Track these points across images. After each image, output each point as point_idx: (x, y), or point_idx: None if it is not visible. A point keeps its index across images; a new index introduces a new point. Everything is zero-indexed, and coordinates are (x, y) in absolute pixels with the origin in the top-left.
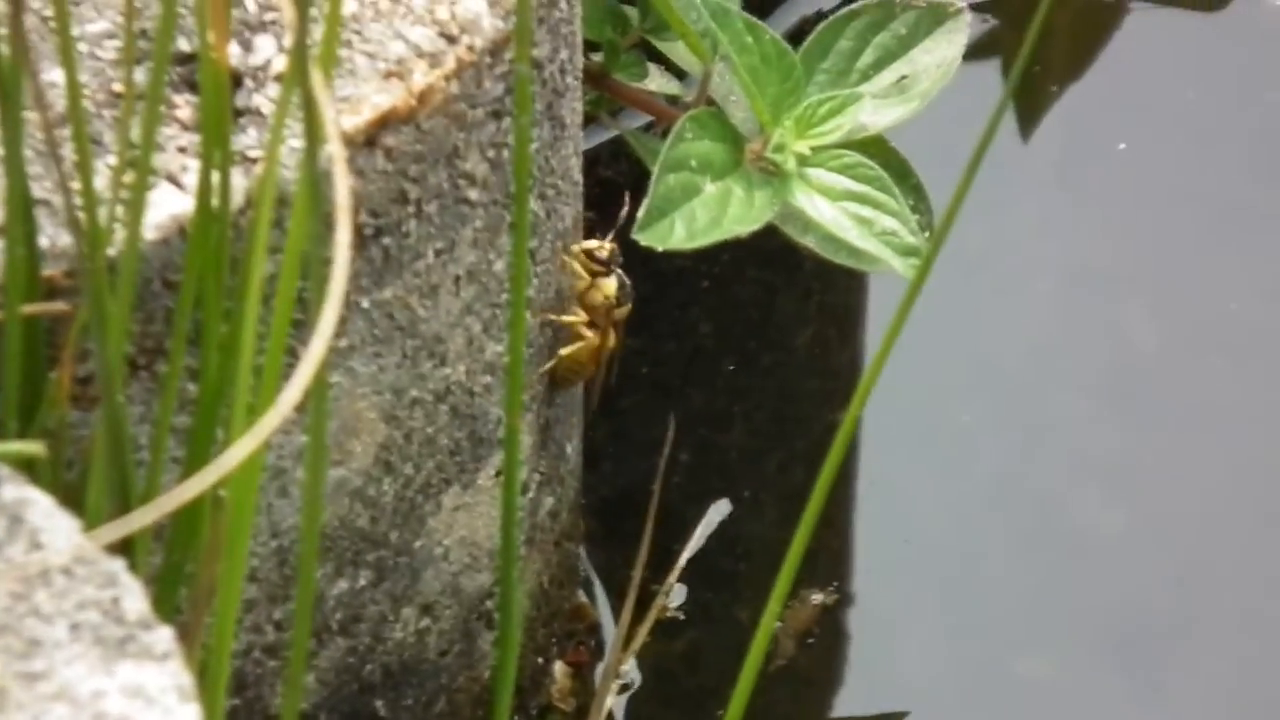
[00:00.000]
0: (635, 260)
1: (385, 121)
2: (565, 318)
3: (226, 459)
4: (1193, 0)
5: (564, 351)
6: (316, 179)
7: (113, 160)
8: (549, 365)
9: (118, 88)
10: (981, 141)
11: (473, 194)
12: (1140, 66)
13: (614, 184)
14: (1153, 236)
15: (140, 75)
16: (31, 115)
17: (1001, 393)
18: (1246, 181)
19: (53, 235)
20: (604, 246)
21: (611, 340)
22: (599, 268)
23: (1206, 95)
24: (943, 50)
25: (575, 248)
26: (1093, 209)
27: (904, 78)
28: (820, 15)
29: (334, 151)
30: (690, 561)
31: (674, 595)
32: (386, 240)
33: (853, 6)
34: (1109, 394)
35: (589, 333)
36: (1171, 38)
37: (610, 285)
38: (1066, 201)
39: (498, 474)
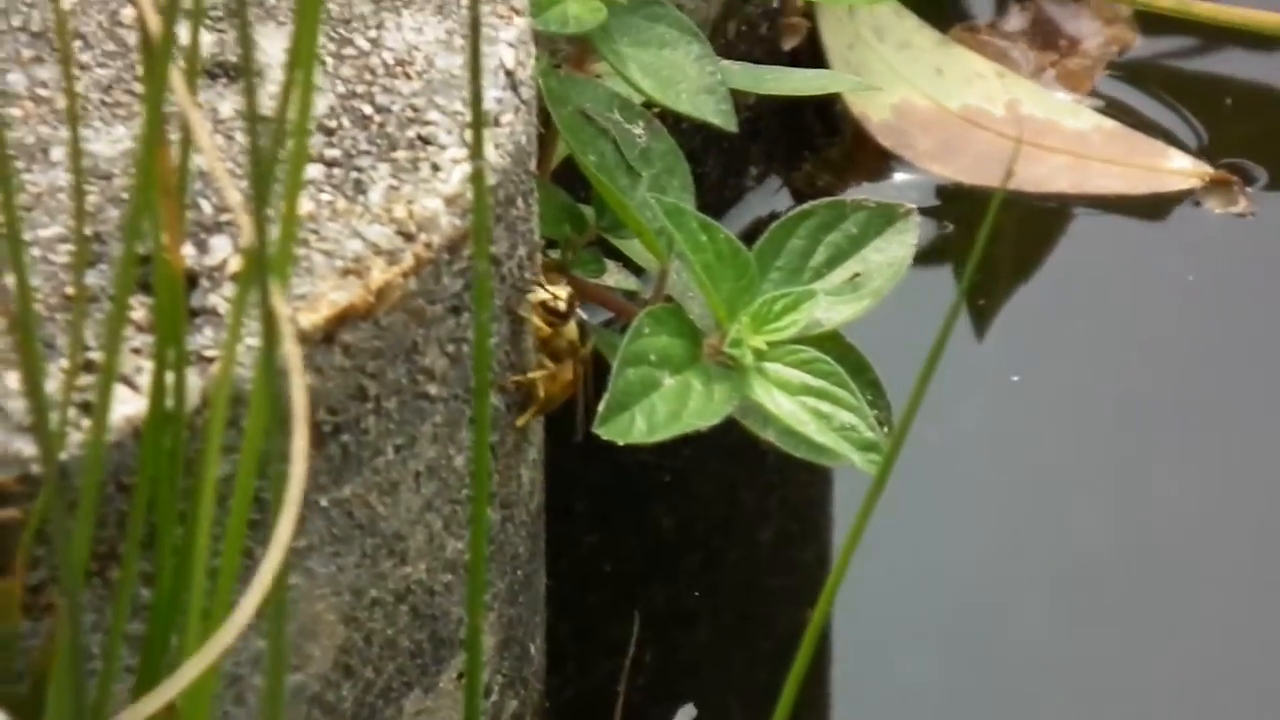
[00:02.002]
0: (596, 454)
1: (343, 318)
2: (530, 375)
3: (181, 676)
4: (1136, 208)
5: (519, 421)
6: (273, 379)
7: (65, 364)
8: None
9: (70, 291)
10: (938, 339)
11: (432, 389)
12: (1086, 270)
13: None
14: (1104, 437)
15: (92, 278)
16: None
17: (962, 593)
18: (1193, 384)
19: (4, 441)
20: (560, 298)
21: (575, 372)
22: (558, 319)
23: (1152, 299)
24: (894, 249)
25: (532, 299)
26: (1045, 408)
27: (856, 276)
28: (773, 216)
29: (290, 353)
30: None
31: None
32: (345, 437)
33: (803, 207)
34: (1066, 595)
35: (544, 378)
36: (1116, 242)
37: (572, 329)
38: (1019, 400)
39: (460, 676)
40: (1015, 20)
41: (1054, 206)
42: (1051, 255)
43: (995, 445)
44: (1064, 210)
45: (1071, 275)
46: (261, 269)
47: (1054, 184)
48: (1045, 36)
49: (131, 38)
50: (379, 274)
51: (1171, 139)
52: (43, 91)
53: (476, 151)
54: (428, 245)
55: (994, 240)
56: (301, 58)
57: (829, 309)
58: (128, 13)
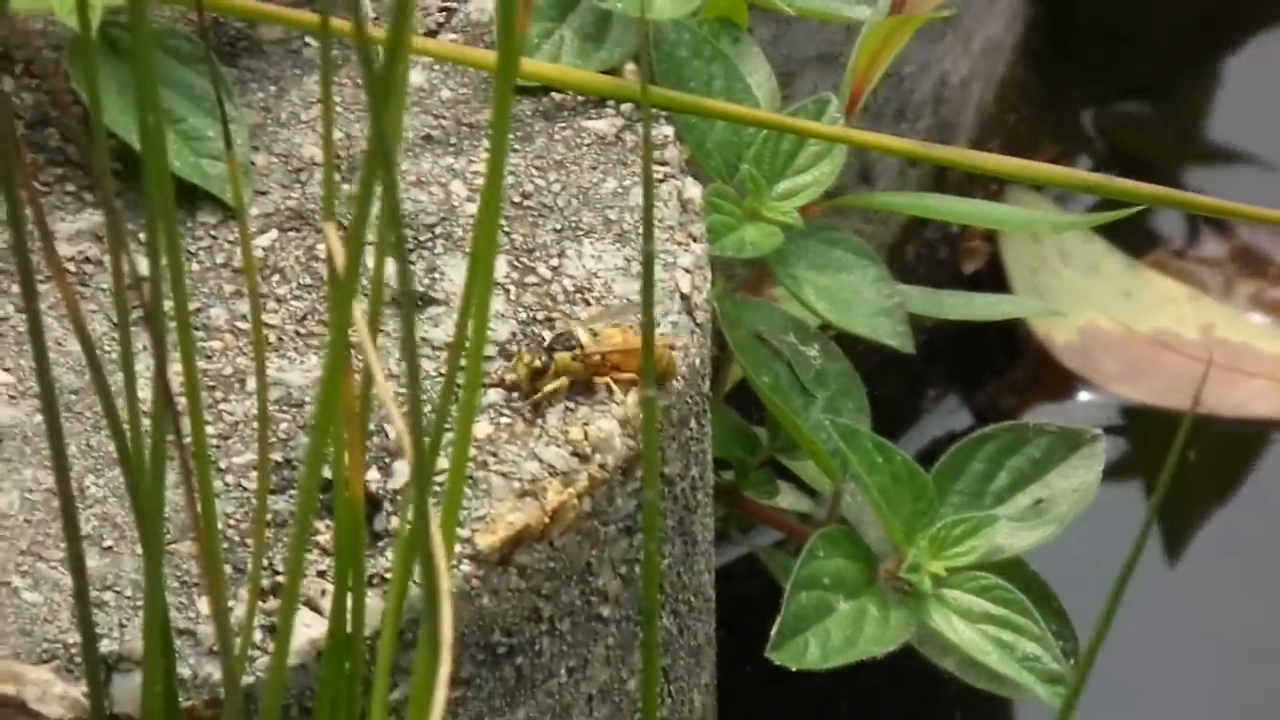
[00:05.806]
0: (772, 680)
1: (519, 539)
2: (548, 388)
3: None
4: None
5: (549, 387)
6: (437, 609)
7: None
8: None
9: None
10: (1126, 565)
11: (605, 610)
12: None
13: (747, 600)
14: None
15: (281, 504)
16: (178, 546)
17: None
18: None
19: (195, 664)
20: (530, 362)
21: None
22: (548, 359)
23: None
24: (1080, 475)
25: (520, 375)
26: (1244, 641)
27: (1040, 501)
28: (952, 436)
29: (442, 587)
30: None
31: None
32: (519, 659)
33: (984, 430)
34: None
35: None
36: None
37: (566, 359)
38: (1221, 628)
39: None
40: (1211, 246)
41: (1252, 431)
42: (1250, 481)
43: (1191, 679)
44: (1263, 435)
45: (1272, 502)
46: (421, 499)
47: (1251, 408)
48: (1255, 263)
49: (326, 271)
50: (554, 495)
51: None
52: (241, 325)
53: (646, 378)
54: (602, 466)
55: (1187, 465)
56: (478, 288)
57: (1011, 535)
58: (323, 248)
